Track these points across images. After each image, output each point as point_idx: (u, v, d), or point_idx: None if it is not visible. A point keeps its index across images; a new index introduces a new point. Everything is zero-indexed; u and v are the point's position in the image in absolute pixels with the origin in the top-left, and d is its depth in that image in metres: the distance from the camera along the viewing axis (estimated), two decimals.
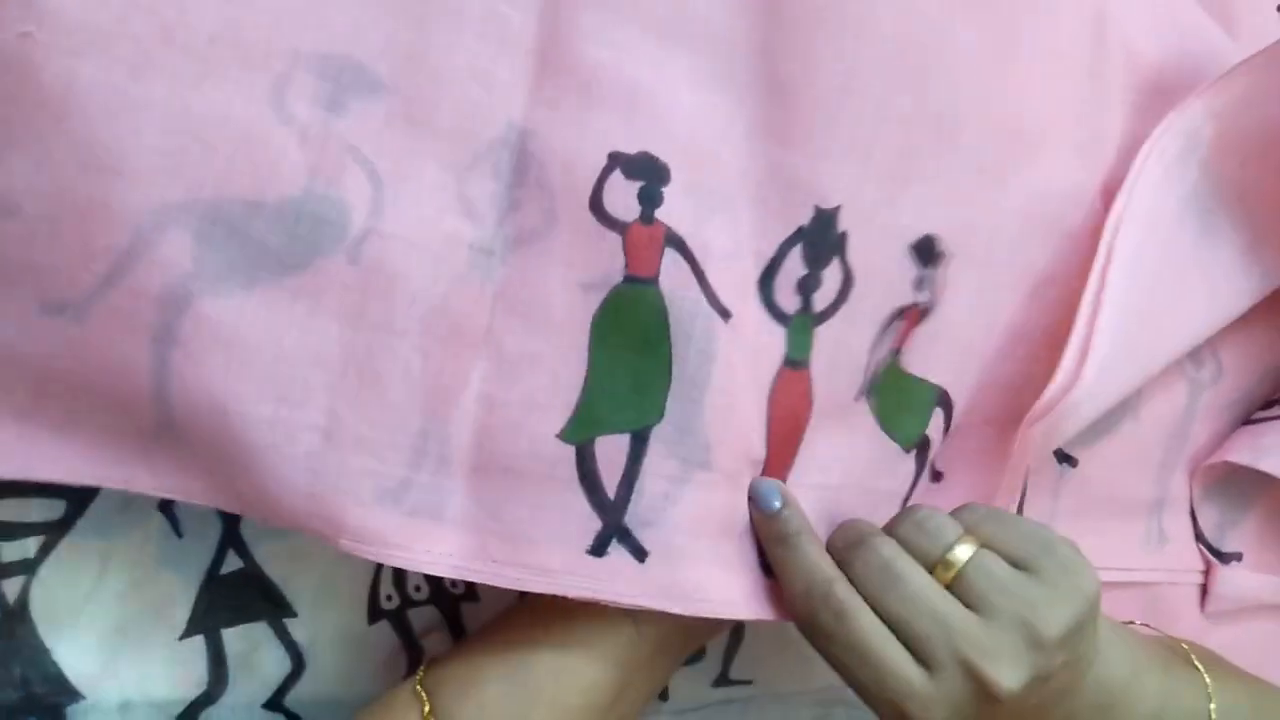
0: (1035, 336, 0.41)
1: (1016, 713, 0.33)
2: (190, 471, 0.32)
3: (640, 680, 0.36)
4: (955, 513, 0.36)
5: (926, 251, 0.38)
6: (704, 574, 0.35)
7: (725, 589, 0.35)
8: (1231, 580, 0.48)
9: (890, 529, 0.35)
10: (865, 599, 0.33)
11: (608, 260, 0.34)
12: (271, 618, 0.38)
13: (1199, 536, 0.49)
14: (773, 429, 0.37)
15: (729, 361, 0.35)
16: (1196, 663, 0.40)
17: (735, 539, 0.36)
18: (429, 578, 0.40)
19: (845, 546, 0.35)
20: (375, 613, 0.40)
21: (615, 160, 0.34)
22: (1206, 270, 0.43)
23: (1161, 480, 0.48)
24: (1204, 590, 0.49)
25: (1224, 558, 0.49)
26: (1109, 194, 0.41)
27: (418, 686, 0.34)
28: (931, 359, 0.39)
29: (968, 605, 0.33)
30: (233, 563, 0.38)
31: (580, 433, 0.34)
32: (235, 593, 0.37)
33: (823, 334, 0.37)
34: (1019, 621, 0.32)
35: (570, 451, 0.33)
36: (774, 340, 0.36)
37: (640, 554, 0.34)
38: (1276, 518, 0.49)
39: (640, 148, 0.34)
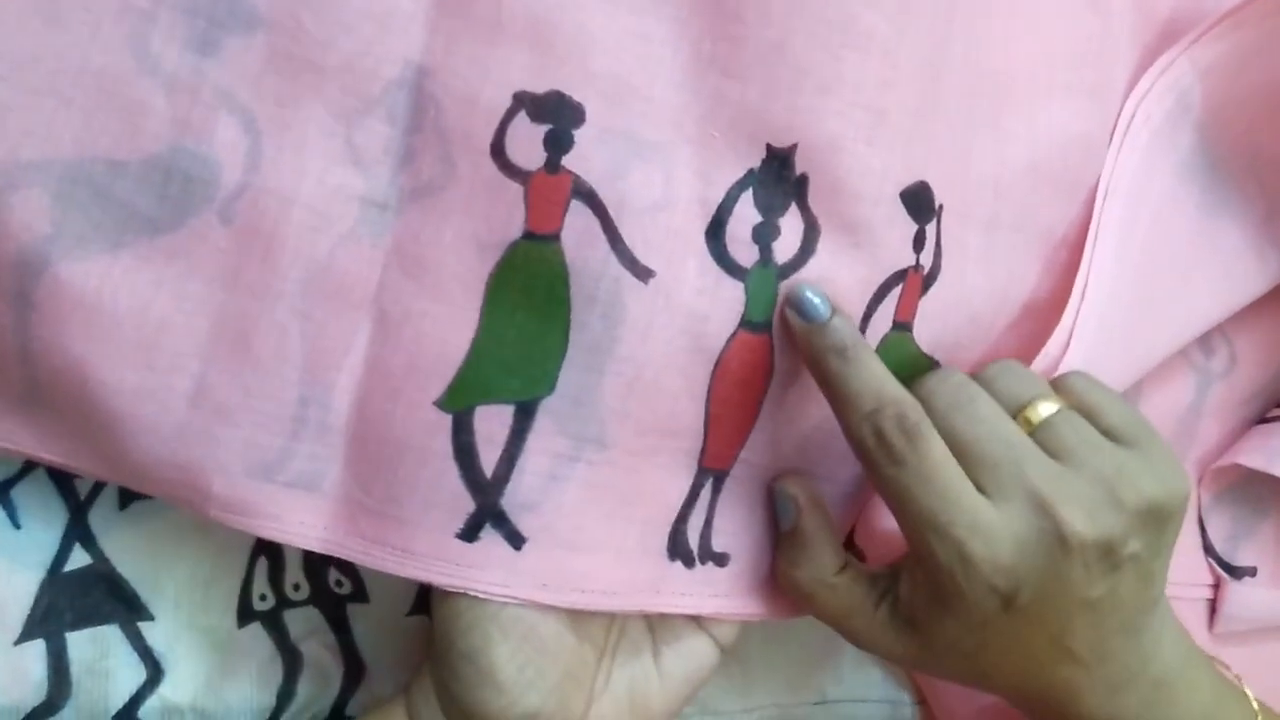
0: (1044, 308, 0.36)
1: (1080, 592, 0.30)
2: (74, 436, 0.30)
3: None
4: (1056, 378, 0.33)
5: (918, 201, 0.33)
6: (592, 562, 0.31)
7: (615, 578, 0.32)
8: (1244, 598, 0.43)
9: (976, 372, 0.32)
10: (934, 423, 0.30)
11: (506, 214, 0.30)
12: (124, 621, 0.34)
13: (1208, 548, 0.43)
14: (716, 397, 0.32)
15: (644, 326, 0.31)
16: (1247, 691, 0.35)
17: (638, 524, 0.32)
18: (310, 575, 0.37)
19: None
20: (246, 614, 0.36)
21: (521, 101, 0.30)
22: (1214, 246, 0.38)
23: None
24: (1213, 607, 0.43)
25: (1236, 572, 0.43)
26: None
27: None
28: (944, 335, 0.35)
29: (1048, 453, 0.30)
30: (79, 558, 0.34)
31: (458, 399, 0.30)
32: (81, 592, 0.34)
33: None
34: (1100, 477, 0.29)
35: (447, 420, 0.30)
36: (730, 297, 0.32)
37: (516, 540, 0.31)
38: None
39: (551, 86, 0.30)
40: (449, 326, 0.30)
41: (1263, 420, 0.42)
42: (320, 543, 0.31)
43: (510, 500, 0.31)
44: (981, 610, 0.29)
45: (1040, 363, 0.34)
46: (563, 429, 0.31)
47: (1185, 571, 0.43)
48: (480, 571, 0.30)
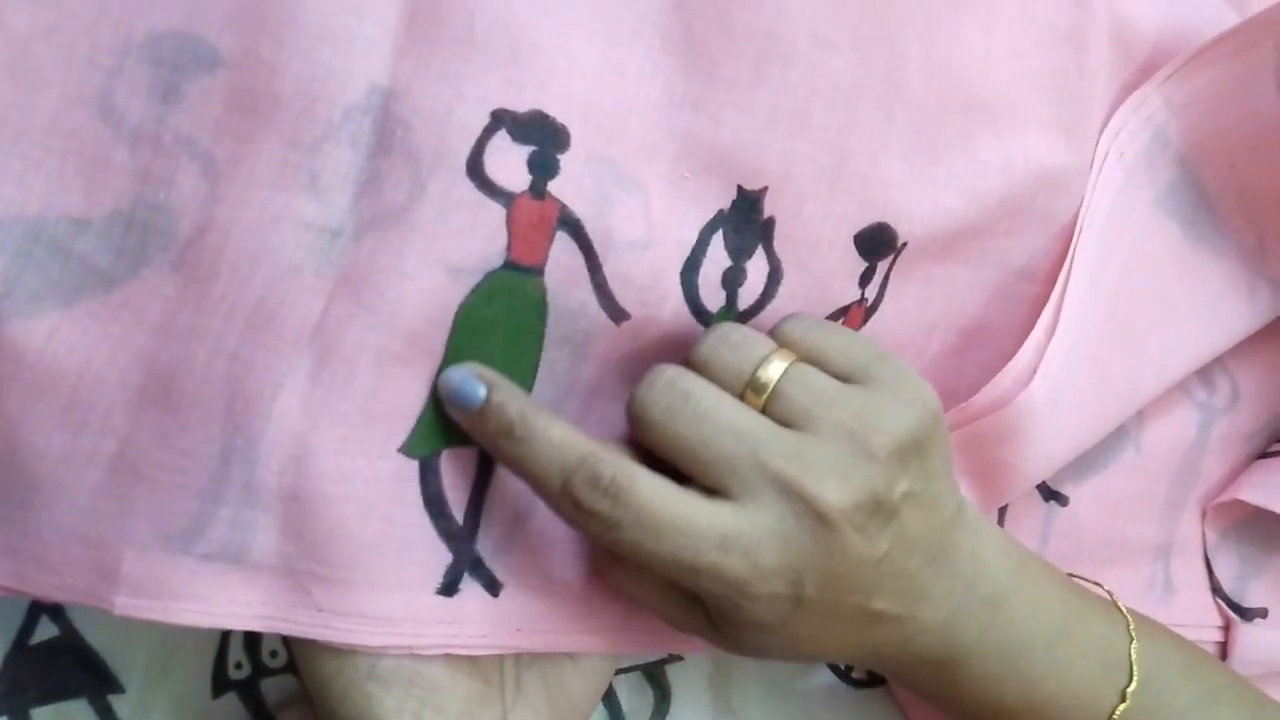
0: (996, 338, 0.36)
1: (865, 555, 0.28)
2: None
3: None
4: (775, 327, 0.30)
5: (873, 241, 0.33)
6: (559, 597, 0.31)
7: (581, 612, 0.31)
8: (1256, 640, 0.41)
9: (689, 354, 0.30)
10: (652, 438, 0.28)
11: (485, 239, 0.28)
12: (93, 694, 0.33)
13: (1215, 589, 0.42)
14: None
15: (607, 360, 0.31)
16: (1117, 602, 0.34)
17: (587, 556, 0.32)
18: (287, 641, 0.35)
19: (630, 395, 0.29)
20: (221, 684, 0.35)
21: (500, 119, 0.28)
22: (1201, 279, 0.38)
23: (1168, 520, 0.41)
24: (1224, 650, 0.42)
25: (1246, 614, 0.41)
26: None
27: None
28: None
29: (785, 425, 0.28)
30: (46, 630, 0.33)
31: (425, 444, 0.29)
32: (48, 666, 0.33)
33: None
34: (844, 432, 0.28)
35: (414, 468, 0.28)
36: (691, 340, 0.31)
37: (494, 586, 0.30)
38: None
39: (532, 106, 0.28)
40: (409, 362, 0.28)
41: (1264, 455, 0.41)
42: (261, 621, 0.28)
43: (483, 545, 0.29)
44: (775, 613, 0.28)
45: (990, 392, 0.34)
46: None
47: (1193, 613, 0.41)
48: (460, 627, 0.29)
